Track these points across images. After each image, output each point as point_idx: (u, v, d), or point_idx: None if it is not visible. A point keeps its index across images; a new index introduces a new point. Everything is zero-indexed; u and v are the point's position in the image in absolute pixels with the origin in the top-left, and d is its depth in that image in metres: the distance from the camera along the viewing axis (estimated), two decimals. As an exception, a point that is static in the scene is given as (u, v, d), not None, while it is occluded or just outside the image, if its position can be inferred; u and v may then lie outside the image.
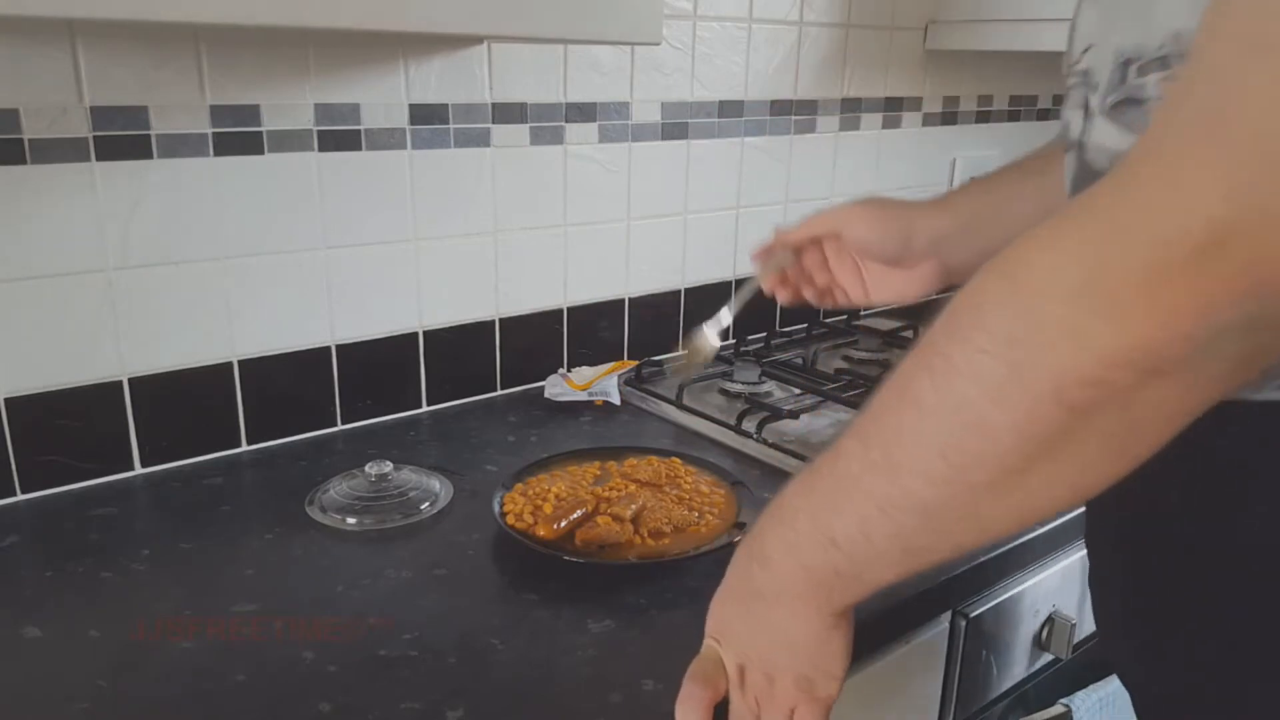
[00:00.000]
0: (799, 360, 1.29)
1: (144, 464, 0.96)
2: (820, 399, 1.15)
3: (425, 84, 1.04)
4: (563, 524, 0.80)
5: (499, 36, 1.03)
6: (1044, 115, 1.84)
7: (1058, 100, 1.84)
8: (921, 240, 0.71)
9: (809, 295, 0.77)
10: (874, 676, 0.78)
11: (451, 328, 1.14)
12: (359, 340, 1.07)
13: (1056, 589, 0.93)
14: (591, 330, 1.27)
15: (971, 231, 0.71)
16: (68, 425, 0.91)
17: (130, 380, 0.94)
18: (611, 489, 0.87)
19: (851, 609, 0.54)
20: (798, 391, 1.18)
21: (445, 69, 1.05)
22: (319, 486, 0.92)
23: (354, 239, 1.04)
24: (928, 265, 0.72)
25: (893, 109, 1.55)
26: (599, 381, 1.17)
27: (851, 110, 1.48)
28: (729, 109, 1.33)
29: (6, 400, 0.88)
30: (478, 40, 1.06)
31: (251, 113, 0.94)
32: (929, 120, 1.62)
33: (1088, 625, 1.00)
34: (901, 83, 1.54)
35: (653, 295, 1.32)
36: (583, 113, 1.18)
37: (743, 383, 1.22)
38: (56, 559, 0.80)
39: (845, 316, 1.54)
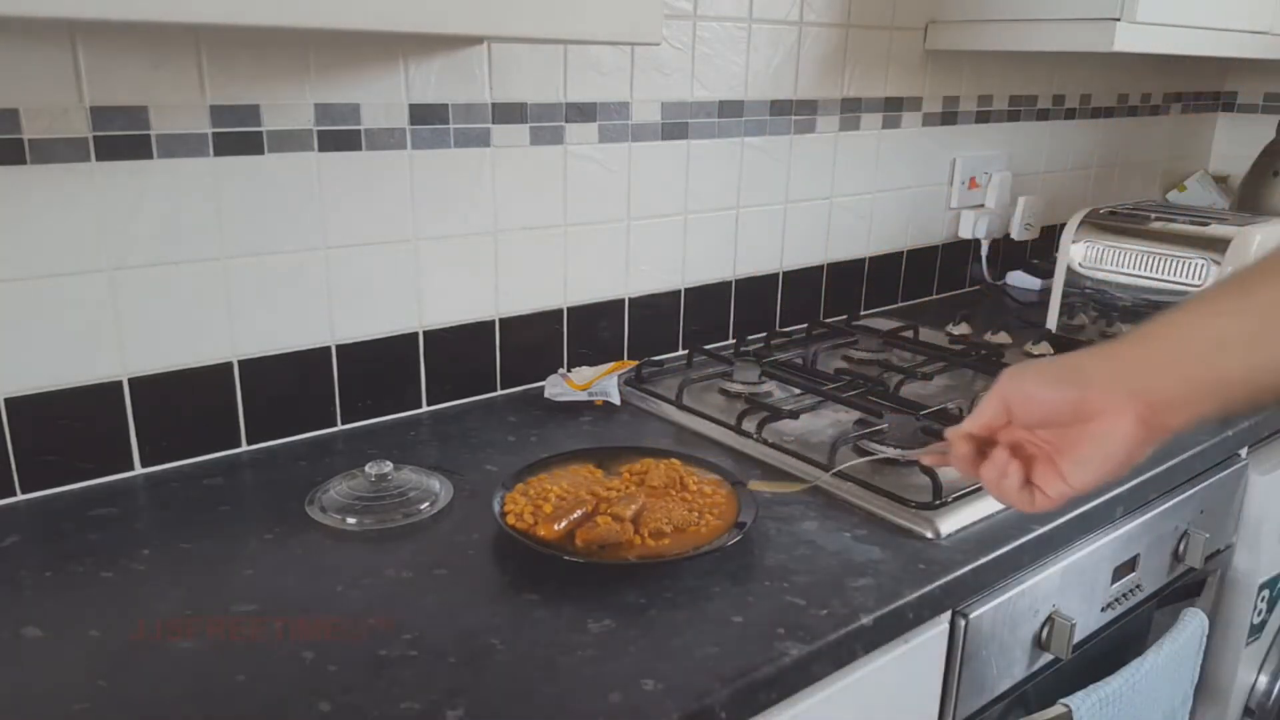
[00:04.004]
0: (799, 360, 1.29)
1: (144, 464, 0.96)
2: (820, 399, 1.15)
3: (425, 84, 1.04)
4: (563, 524, 0.80)
5: (499, 36, 1.03)
6: (1044, 115, 1.84)
7: (1058, 100, 1.85)
8: (1099, 373, 0.59)
9: (1012, 494, 0.63)
10: (874, 676, 0.78)
11: (451, 328, 1.14)
12: (359, 340, 1.07)
13: (1056, 589, 0.93)
14: (591, 330, 1.27)
15: (1161, 358, 0.58)
16: (68, 425, 0.91)
17: (130, 380, 0.94)
18: (611, 489, 0.87)
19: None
20: (798, 391, 1.18)
21: (445, 69, 1.05)
22: (319, 486, 0.92)
23: (354, 239, 1.04)
24: (1120, 409, 0.57)
25: (893, 109, 1.55)
26: (599, 381, 1.17)
27: (851, 110, 1.48)
28: (729, 109, 1.33)
29: (6, 400, 0.88)
30: (478, 40, 1.06)
31: (251, 113, 0.94)
32: (929, 120, 1.62)
33: (1088, 625, 1.00)
34: (901, 83, 1.54)
35: (653, 295, 1.32)
36: (583, 113, 1.18)
37: (743, 383, 1.22)
38: (56, 559, 0.80)
39: (845, 316, 1.54)
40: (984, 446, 0.64)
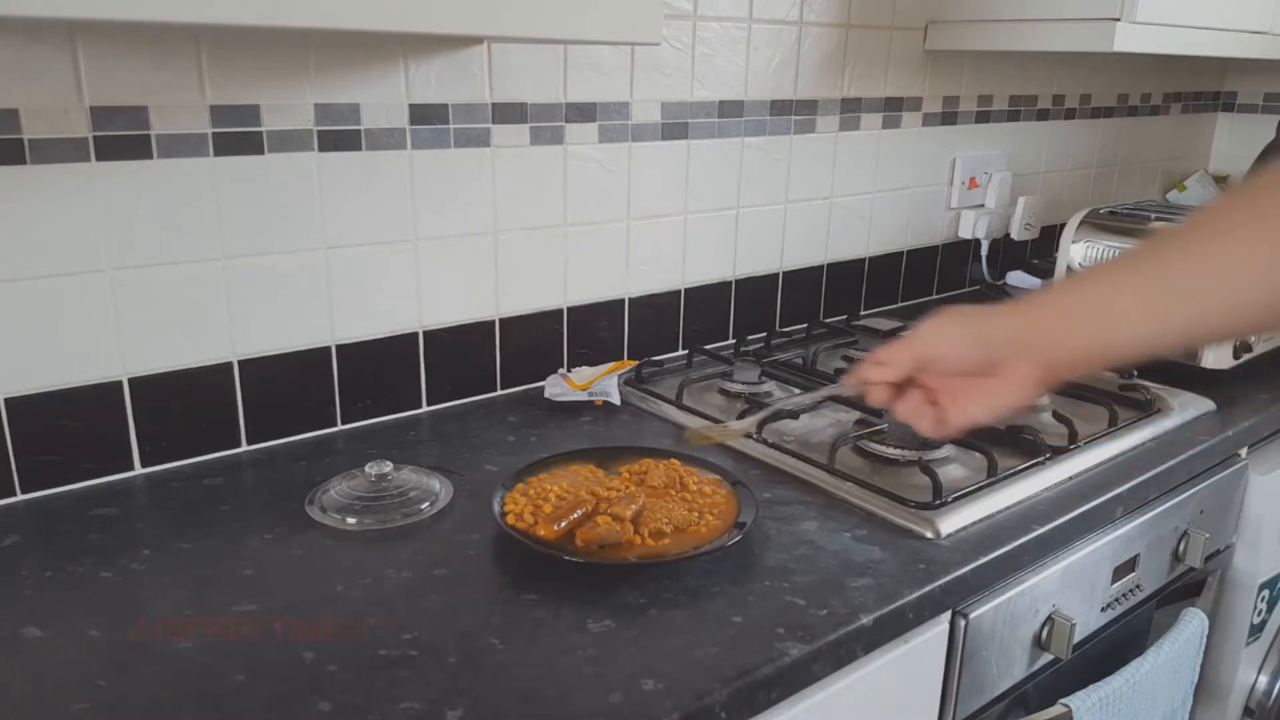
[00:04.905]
0: (799, 360, 1.29)
1: (144, 464, 0.96)
2: (820, 399, 1.15)
3: (425, 84, 1.04)
4: (563, 524, 0.80)
5: (499, 36, 1.03)
6: (1044, 115, 1.84)
7: (1058, 100, 1.85)
8: (1005, 338, 0.69)
9: (923, 427, 0.74)
10: (874, 676, 0.78)
11: (451, 328, 1.14)
12: (359, 340, 1.07)
13: (1056, 589, 0.93)
14: (591, 330, 1.27)
15: (1063, 329, 0.66)
16: (68, 425, 0.91)
17: (130, 380, 0.94)
18: (611, 489, 0.87)
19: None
20: (797, 391, 1.18)
21: (445, 69, 1.05)
22: (319, 486, 0.92)
23: (354, 239, 1.04)
24: (1022, 370, 0.68)
25: (893, 109, 1.55)
26: (599, 381, 1.17)
27: (851, 110, 1.48)
28: (729, 109, 1.33)
29: (6, 400, 0.88)
30: (478, 40, 1.06)
31: (251, 113, 0.94)
32: (929, 120, 1.62)
33: (1088, 625, 1.00)
34: (901, 83, 1.54)
35: (653, 295, 1.32)
36: (583, 113, 1.18)
37: (743, 383, 1.22)
38: (56, 559, 0.80)
39: (845, 316, 1.54)
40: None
